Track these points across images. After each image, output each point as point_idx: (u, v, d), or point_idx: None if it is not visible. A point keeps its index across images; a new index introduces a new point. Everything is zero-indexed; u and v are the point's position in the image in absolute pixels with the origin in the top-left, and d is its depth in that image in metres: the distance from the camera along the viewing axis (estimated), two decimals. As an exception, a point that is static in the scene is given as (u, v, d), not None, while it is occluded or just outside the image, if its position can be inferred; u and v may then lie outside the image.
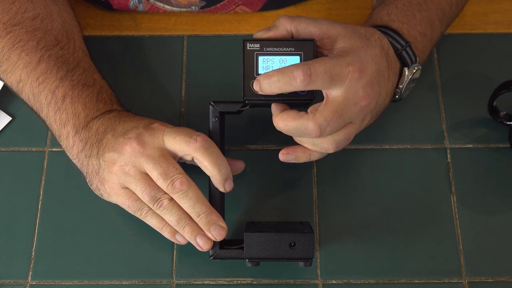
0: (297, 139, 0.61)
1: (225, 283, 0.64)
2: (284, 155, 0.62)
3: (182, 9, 0.75)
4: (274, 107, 0.60)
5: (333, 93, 0.57)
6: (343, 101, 0.57)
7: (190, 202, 0.59)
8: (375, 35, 0.61)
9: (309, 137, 0.59)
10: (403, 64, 0.64)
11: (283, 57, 0.59)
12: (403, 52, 0.63)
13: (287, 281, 0.64)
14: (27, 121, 0.70)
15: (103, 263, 0.64)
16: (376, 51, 0.60)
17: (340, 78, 0.56)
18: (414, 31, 0.65)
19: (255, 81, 0.58)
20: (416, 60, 0.64)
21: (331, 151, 0.60)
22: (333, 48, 0.60)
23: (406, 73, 0.64)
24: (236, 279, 0.64)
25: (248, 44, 0.59)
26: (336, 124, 0.58)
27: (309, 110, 0.58)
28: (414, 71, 0.64)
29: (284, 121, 0.59)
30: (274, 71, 0.56)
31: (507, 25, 0.77)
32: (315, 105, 0.58)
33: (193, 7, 0.75)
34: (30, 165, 0.69)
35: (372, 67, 0.59)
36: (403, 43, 0.63)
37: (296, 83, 0.56)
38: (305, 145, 0.61)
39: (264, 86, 0.57)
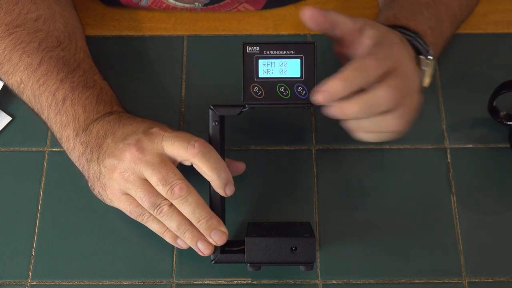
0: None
1: (225, 283, 0.64)
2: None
3: (186, 5, 0.75)
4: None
5: None
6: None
7: (190, 207, 0.59)
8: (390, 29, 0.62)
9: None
10: (418, 53, 0.63)
11: (283, 60, 0.58)
12: (415, 42, 0.63)
13: (287, 281, 0.64)
14: (27, 121, 0.70)
15: (103, 263, 0.64)
16: (398, 38, 0.60)
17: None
18: (423, 25, 0.65)
19: (323, 90, 0.54)
20: (428, 50, 0.63)
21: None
22: (362, 37, 0.58)
23: (422, 61, 0.63)
24: (236, 279, 0.64)
25: (248, 47, 0.58)
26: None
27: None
28: (429, 62, 0.63)
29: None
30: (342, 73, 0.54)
31: (507, 25, 0.77)
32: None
33: (196, 3, 0.74)
34: (30, 165, 0.69)
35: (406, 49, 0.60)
36: (412, 35, 0.63)
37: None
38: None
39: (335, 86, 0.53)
